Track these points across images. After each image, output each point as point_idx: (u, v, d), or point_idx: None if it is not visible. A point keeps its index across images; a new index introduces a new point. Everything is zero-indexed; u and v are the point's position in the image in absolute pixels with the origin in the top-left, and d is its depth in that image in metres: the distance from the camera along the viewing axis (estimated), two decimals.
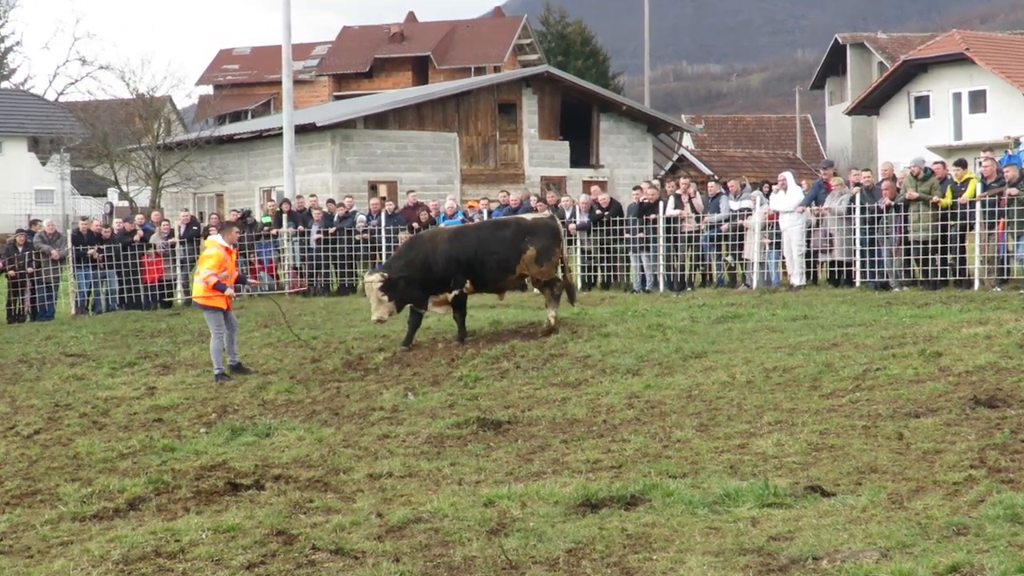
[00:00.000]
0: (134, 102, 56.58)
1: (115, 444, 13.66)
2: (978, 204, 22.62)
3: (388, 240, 29.25)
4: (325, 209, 31.55)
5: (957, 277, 23.20)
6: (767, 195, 26.31)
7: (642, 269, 27.02)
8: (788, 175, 26.03)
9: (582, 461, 11.33)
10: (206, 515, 10.24)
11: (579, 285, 27.85)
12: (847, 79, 68.70)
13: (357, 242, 29.75)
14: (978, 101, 53.43)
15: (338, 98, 77.03)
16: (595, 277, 28.10)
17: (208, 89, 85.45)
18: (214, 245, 18.52)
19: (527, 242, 19.77)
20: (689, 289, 26.16)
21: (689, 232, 26.48)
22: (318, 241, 30.21)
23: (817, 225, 24.91)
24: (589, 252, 27.90)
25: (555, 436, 12.62)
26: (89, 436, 14.32)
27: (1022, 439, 10.82)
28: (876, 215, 23.78)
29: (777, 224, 25.29)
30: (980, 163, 23.73)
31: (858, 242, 24.16)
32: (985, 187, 22.71)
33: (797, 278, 24.80)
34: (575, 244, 28.05)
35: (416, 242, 20.29)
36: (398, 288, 19.23)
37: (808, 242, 24.98)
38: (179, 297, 29.19)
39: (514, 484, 10.55)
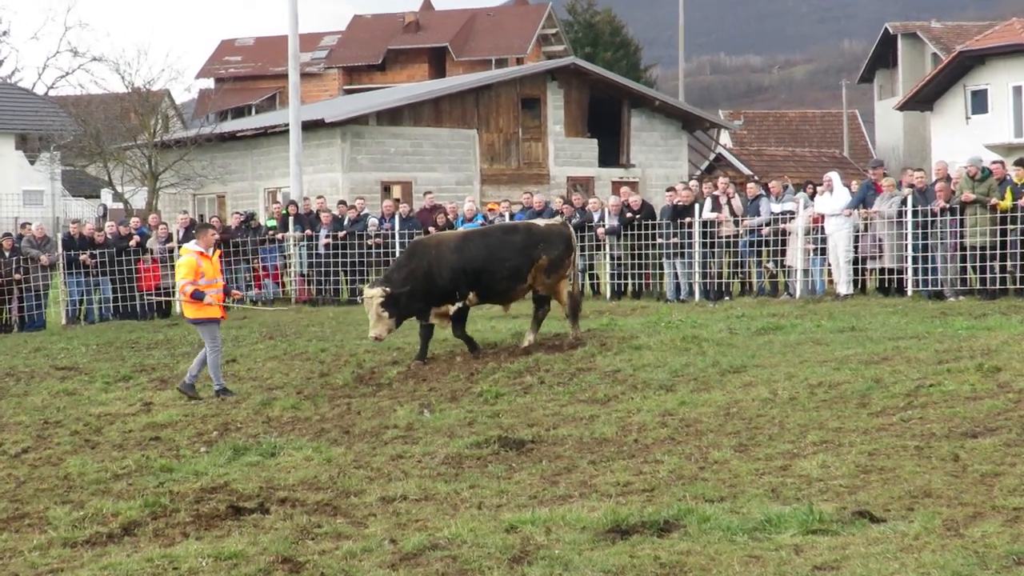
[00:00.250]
0: (129, 96, 56.77)
1: (109, 464, 13.68)
2: None
3: (403, 245, 29.25)
4: (335, 212, 31.58)
5: (1017, 286, 23.11)
6: (811, 197, 26.28)
7: (676, 277, 27.00)
8: (834, 175, 25.96)
9: (611, 484, 11.32)
10: (206, 541, 10.25)
11: (608, 294, 27.89)
12: (898, 72, 68.61)
13: (369, 247, 29.75)
14: None
15: (348, 92, 77.20)
16: (626, 285, 28.09)
17: (209, 83, 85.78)
18: (187, 252, 18.31)
19: (540, 249, 19.79)
20: (727, 298, 26.12)
21: (727, 237, 26.46)
22: (327, 246, 30.25)
23: (865, 229, 24.85)
24: (619, 258, 27.90)
25: (582, 456, 12.60)
26: (81, 455, 14.34)
27: None
28: (929, 219, 23.73)
29: (822, 228, 25.23)
30: None
31: (910, 248, 24.10)
32: None
33: (844, 287, 24.74)
34: (604, 250, 28.07)
35: (418, 250, 20.11)
36: (400, 303, 19.15)
37: (856, 248, 24.93)
38: (176, 307, 29.21)
39: (538, 508, 10.55)
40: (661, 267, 27.41)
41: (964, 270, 23.72)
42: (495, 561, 9.17)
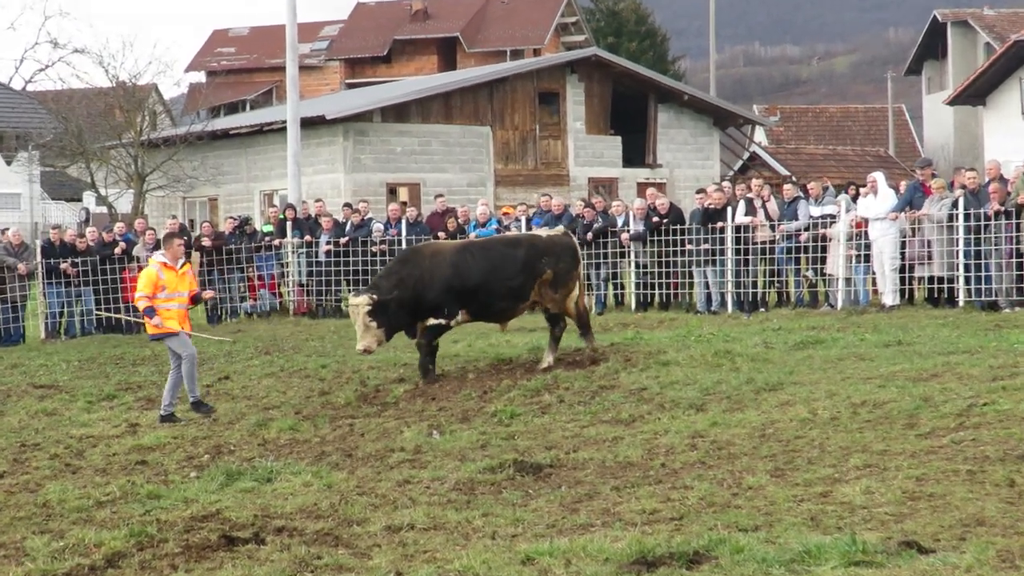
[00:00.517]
0: (114, 91, 56.88)
1: (91, 490, 13.69)
2: None
3: None
4: (340, 216, 31.62)
5: None
6: (854, 199, 26.25)
7: (707, 286, 27.01)
8: (879, 176, 25.95)
9: (637, 511, 11.32)
10: (197, 573, 10.26)
11: (633, 305, 27.87)
12: (948, 63, 68.54)
13: (374, 254, 29.76)
14: None
15: (351, 87, 77.37)
16: (652, 296, 28.10)
17: (200, 76, 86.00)
18: (152, 263, 18.46)
19: (544, 263, 19.77)
20: (762, 310, 26.12)
21: (762, 243, 26.44)
22: (328, 254, 30.27)
23: (913, 235, 24.83)
24: (645, 266, 27.90)
25: (605, 482, 12.60)
26: (61, 481, 14.35)
27: None
28: (982, 223, 23.69)
29: (866, 234, 25.22)
30: None
31: (961, 255, 24.07)
32: None
33: (889, 297, 24.72)
34: (629, 257, 28.06)
35: (411, 258, 20.09)
36: (389, 311, 18.99)
37: (902, 255, 24.91)
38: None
39: (557, 538, 10.54)
40: (691, 276, 27.39)
41: (1021, 278, 23.67)
42: None
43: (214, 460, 15.14)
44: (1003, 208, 23.43)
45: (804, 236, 26.03)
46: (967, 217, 23.92)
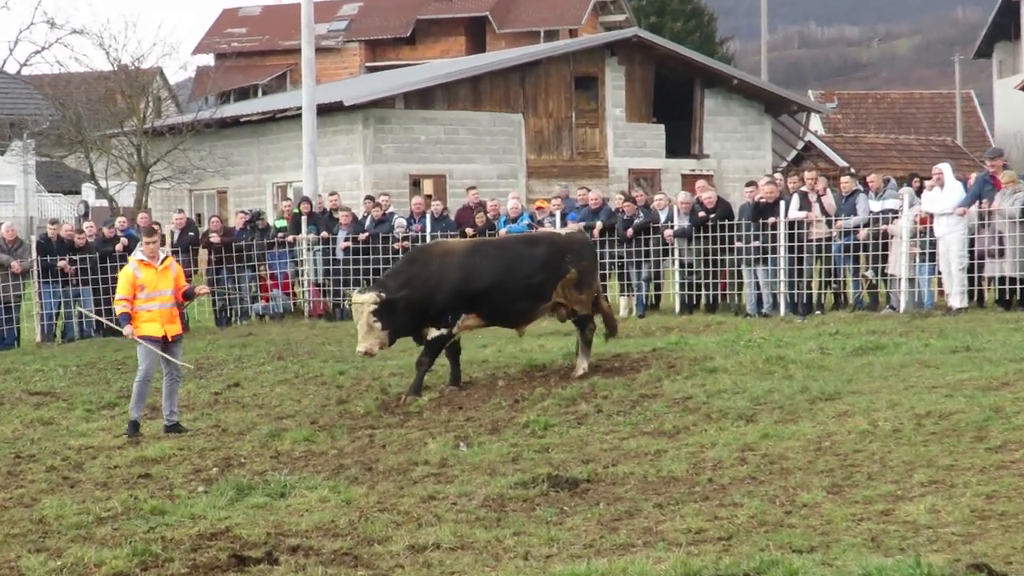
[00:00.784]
0: (115, 76, 56.93)
1: (91, 506, 13.75)
2: None
3: None
4: (359, 211, 31.63)
5: None
6: (918, 193, 26.19)
7: (757, 287, 26.98)
8: (945, 167, 25.89)
9: (681, 531, 11.33)
10: None
11: (677, 307, 27.85)
12: (1021, 45, 68.32)
13: (395, 252, 29.74)
14: None
15: (372, 70, 77.47)
16: (698, 297, 28.07)
17: (208, 59, 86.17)
18: (130, 261, 18.45)
19: (567, 262, 19.81)
20: (818, 312, 26.08)
21: (817, 240, 26.40)
22: (346, 251, 30.29)
23: (982, 231, 24.77)
24: (690, 265, 27.86)
25: (647, 499, 12.61)
26: (58, 495, 14.42)
27: None
28: None
29: (931, 230, 25.16)
30: None
31: None
32: None
33: (957, 299, 24.67)
34: (672, 255, 28.03)
35: (420, 257, 20.25)
36: (396, 312, 19.02)
37: (971, 253, 24.84)
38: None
39: (594, 560, 10.55)
40: (740, 276, 27.37)
41: None
42: None
43: (223, 473, 15.20)
44: None
45: (863, 233, 25.96)
46: None
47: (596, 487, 13.24)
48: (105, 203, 52.20)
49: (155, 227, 19.37)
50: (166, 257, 18.38)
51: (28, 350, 28.32)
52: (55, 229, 30.38)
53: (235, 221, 33.58)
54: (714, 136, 53.10)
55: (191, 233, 31.40)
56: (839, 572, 9.74)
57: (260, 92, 78.09)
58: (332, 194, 33.74)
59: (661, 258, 28.42)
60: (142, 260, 18.01)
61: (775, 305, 26.70)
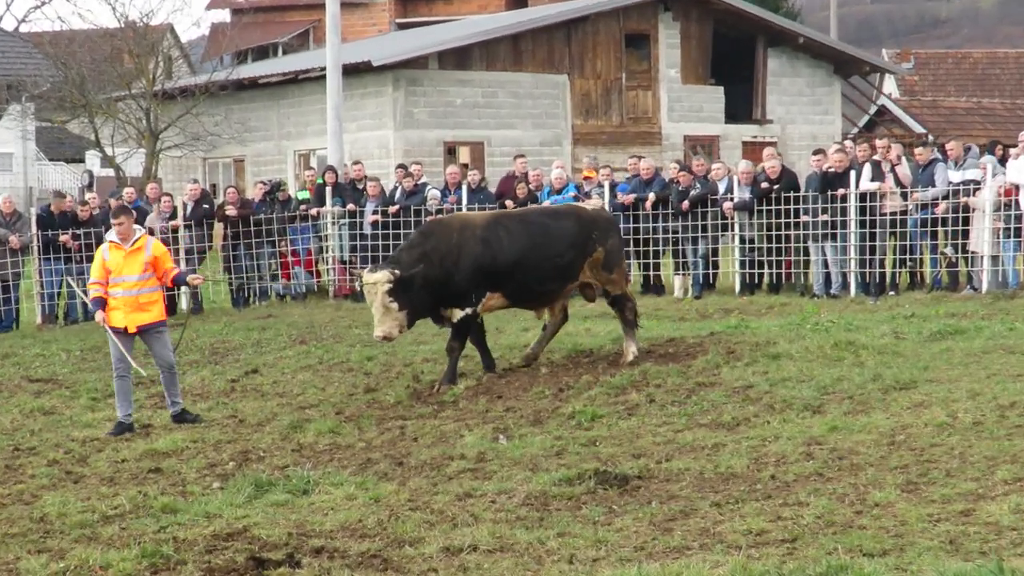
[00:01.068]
0: (122, 33, 57.09)
1: (96, 503, 13.81)
2: None
3: None
4: (393, 181, 31.61)
5: None
6: (1002, 162, 26.10)
7: (825, 265, 26.93)
8: None
9: (741, 532, 11.33)
10: None
11: (737, 287, 27.84)
12: None
13: None
14: None
15: (402, 27, 77.48)
16: (760, 276, 28.05)
17: (224, 15, 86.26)
18: (105, 242, 18.34)
19: (595, 239, 19.82)
20: (892, 293, 26.03)
21: (892, 214, 26.33)
22: (374, 225, 30.30)
23: None
24: (751, 241, 27.82)
25: (703, 497, 12.62)
26: (61, 491, 14.49)
27: None
28: None
29: (1016, 203, 25.09)
30: None
31: None
32: None
33: None
34: (732, 231, 27.98)
35: (436, 230, 20.07)
36: (412, 290, 18.82)
37: None
38: (182, 301, 29.38)
39: (646, 563, 10.57)
40: (806, 253, 27.32)
41: None
42: None
43: (240, 468, 15.25)
44: None
45: (942, 206, 25.89)
46: None
47: (648, 484, 13.25)
48: (111, 172, 52.29)
49: (126, 205, 19.21)
50: (139, 237, 18.06)
51: (28, 333, 28.43)
52: (59, 204, 30.20)
53: (253, 192, 33.63)
54: (778, 100, 52.93)
55: (205, 205, 31.38)
56: None
57: (280, 51, 78.09)
58: (356, 163, 33.62)
59: (720, 233, 28.37)
60: (112, 241, 17.87)
61: (844, 285, 26.65)
